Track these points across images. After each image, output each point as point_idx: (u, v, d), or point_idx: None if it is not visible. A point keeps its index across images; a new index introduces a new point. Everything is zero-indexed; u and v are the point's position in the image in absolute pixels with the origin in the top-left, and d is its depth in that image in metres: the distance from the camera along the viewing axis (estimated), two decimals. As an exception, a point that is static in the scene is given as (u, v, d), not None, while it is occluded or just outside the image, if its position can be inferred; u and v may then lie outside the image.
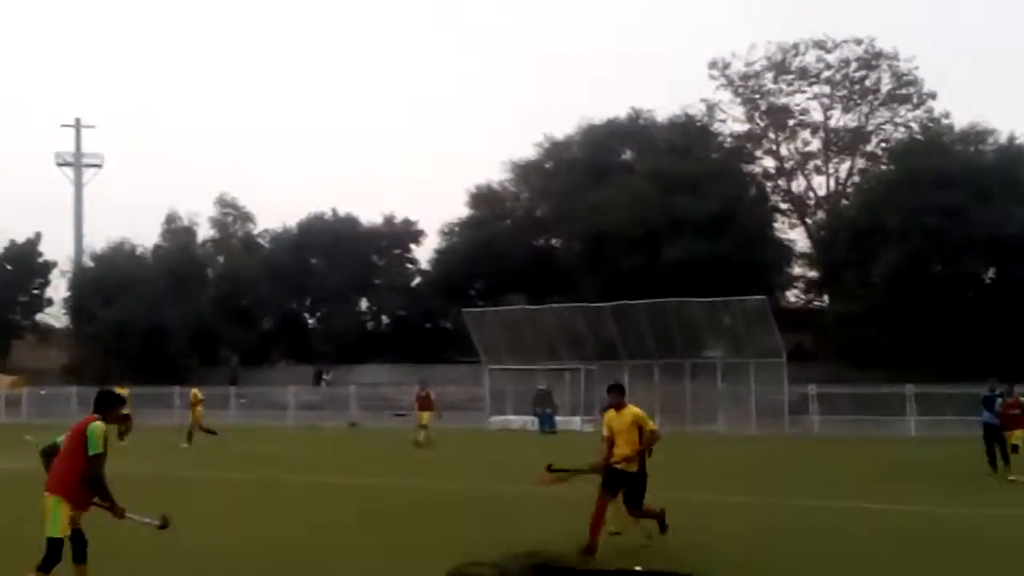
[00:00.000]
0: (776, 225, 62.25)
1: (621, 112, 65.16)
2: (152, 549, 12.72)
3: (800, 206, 66.16)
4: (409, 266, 72.76)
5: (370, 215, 72.76)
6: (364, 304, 73.37)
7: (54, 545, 9.62)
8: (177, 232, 72.66)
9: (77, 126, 79.18)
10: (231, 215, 74.71)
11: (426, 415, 34.85)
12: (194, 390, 37.41)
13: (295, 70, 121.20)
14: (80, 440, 9.78)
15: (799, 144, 66.28)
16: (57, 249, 76.36)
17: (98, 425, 9.84)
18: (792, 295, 64.17)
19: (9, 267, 72.82)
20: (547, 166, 65.73)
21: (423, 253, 71.63)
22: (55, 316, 74.99)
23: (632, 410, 13.35)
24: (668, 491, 14.79)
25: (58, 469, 9.90)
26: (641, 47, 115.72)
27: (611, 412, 13.39)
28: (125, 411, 33.52)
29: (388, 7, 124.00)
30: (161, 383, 53.74)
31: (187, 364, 63.45)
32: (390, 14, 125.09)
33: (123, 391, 34.36)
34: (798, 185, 67.02)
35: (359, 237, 71.06)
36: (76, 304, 68.91)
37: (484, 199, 66.56)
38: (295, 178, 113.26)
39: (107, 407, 10.13)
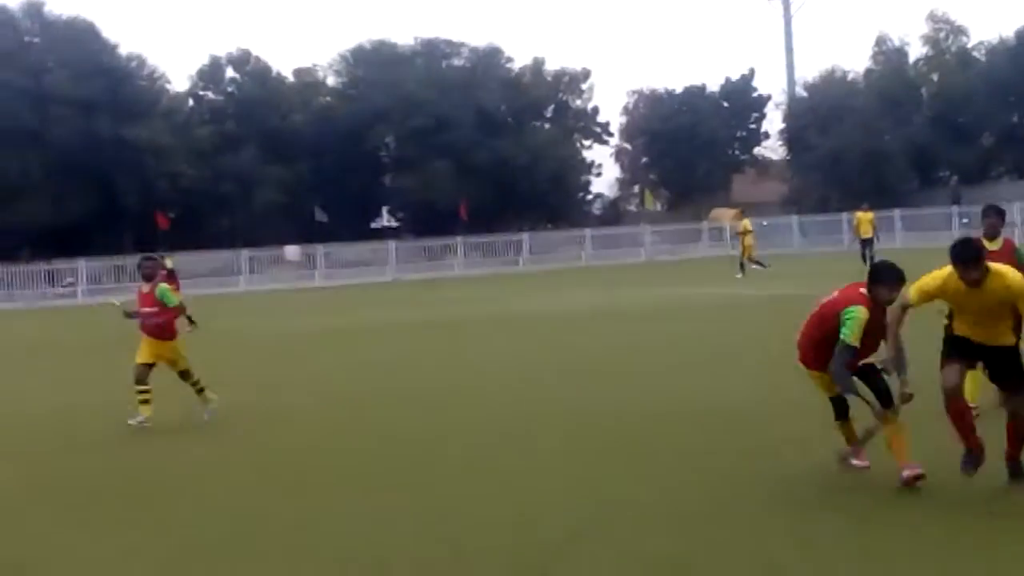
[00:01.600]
0: None
1: None
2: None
3: None
4: None
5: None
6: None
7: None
8: (888, 54, 71.76)
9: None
10: (943, 30, 71.71)
11: None
12: (744, 220, 36.87)
13: None
14: (829, 318, 7.97)
15: None
16: (770, 82, 78.67)
17: (860, 310, 7.74)
18: None
19: (725, 104, 76.36)
20: None
21: None
22: (772, 149, 77.99)
23: None
24: None
25: (800, 339, 8.34)
26: None
27: None
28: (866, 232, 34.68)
29: None
30: (880, 207, 53.65)
31: (906, 187, 62.99)
32: None
33: (869, 215, 35.27)
34: None
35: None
36: (791, 135, 71.08)
37: None
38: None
39: (881, 282, 7.77)
